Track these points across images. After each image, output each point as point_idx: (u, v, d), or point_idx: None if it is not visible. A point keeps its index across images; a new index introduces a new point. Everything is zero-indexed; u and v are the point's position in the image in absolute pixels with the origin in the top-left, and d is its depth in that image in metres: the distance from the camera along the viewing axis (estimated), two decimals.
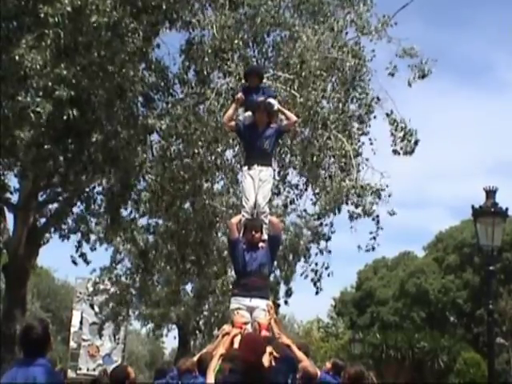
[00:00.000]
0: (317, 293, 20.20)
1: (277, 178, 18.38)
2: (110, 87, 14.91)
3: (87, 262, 20.92)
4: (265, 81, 16.45)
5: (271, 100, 10.14)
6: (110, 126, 15.41)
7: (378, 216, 18.36)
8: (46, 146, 14.61)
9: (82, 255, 20.63)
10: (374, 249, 18.98)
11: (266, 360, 6.94)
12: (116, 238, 21.68)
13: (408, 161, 18.42)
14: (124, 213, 19.32)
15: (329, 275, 19.91)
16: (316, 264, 20.26)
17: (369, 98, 18.71)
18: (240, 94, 10.00)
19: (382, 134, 18.95)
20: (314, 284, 20.02)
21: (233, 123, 10.12)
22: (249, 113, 9.93)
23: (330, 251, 20.48)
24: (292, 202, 19.90)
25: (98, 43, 14.04)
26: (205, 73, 17.31)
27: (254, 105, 9.87)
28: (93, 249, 21.54)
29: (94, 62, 14.19)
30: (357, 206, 18.08)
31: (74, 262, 20.99)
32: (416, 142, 18.25)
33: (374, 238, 18.67)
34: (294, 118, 10.48)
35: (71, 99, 13.60)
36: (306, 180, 19.20)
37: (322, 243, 20.65)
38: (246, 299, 8.82)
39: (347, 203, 18.09)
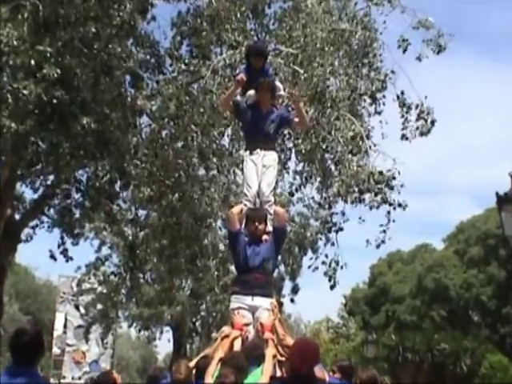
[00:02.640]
0: (332, 287, 20.07)
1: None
2: (96, 65, 14.89)
3: (68, 259, 20.83)
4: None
5: (278, 84, 10.18)
6: (97, 107, 15.37)
7: (400, 205, 18.33)
8: (28, 131, 14.53)
9: (64, 251, 20.55)
10: (383, 242, 18.89)
11: (318, 370, 6.90)
12: (94, 221, 21.57)
13: (424, 144, 18.41)
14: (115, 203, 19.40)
15: (342, 267, 19.82)
16: (326, 256, 20.17)
17: (382, 74, 18.73)
18: (241, 75, 9.77)
19: (393, 117, 18.97)
20: (329, 279, 19.91)
21: (231, 103, 10.10)
22: (252, 91, 9.88)
23: (333, 243, 20.42)
24: (297, 189, 19.88)
25: (80, 16, 14.02)
26: (199, 47, 17.32)
27: (256, 84, 9.85)
28: (74, 244, 21.47)
29: (77, 37, 14.15)
30: (376, 194, 18.05)
31: (53, 257, 20.89)
32: (433, 122, 18.28)
33: (384, 231, 18.60)
34: (306, 122, 10.57)
35: (57, 79, 13.57)
36: (311, 166, 19.17)
37: (332, 235, 20.58)
38: (248, 298, 8.82)
39: (363, 191, 18.07)
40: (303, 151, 18.34)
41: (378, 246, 18.90)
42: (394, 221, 18.48)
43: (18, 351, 6.07)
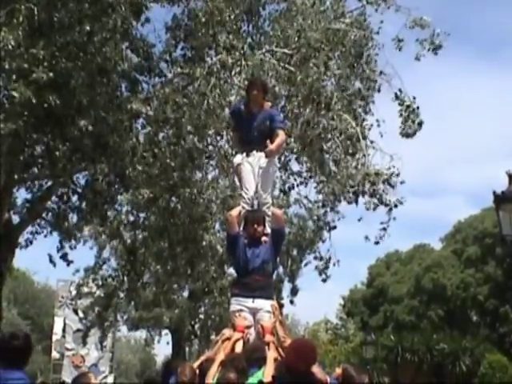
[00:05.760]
0: (324, 280, 20.16)
1: (277, 164, 18.32)
2: (91, 68, 14.80)
3: (68, 263, 20.73)
4: (261, 57, 16.51)
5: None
6: (93, 111, 15.26)
7: (396, 205, 18.21)
8: (23, 135, 14.44)
9: (64, 256, 20.44)
10: (381, 238, 18.70)
11: (316, 369, 6.88)
12: (89, 226, 21.48)
13: (421, 144, 18.29)
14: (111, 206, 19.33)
15: (334, 265, 19.92)
16: (320, 254, 20.31)
17: (376, 74, 18.64)
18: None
19: (390, 116, 18.86)
20: (320, 273, 20.01)
21: None
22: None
23: (323, 241, 20.55)
24: (291, 188, 19.80)
25: (75, 20, 13.94)
26: (195, 49, 17.24)
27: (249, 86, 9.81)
28: (72, 247, 21.33)
29: (72, 40, 14.08)
30: (372, 196, 17.97)
31: (52, 262, 20.81)
32: (420, 124, 18.05)
33: (385, 228, 18.48)
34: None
35: (50, 82, 13.49)
36: (309, 167, 19.11)
37: (325, 233, 20.69)
38: (249, 300, 8.79)
39: (358, 193, 18.00)
40: (298, 152, 18.29)
41: (376, 243, 18.75)
42: (394, 218, 18.38)
43: (5, 354, 6.06)
